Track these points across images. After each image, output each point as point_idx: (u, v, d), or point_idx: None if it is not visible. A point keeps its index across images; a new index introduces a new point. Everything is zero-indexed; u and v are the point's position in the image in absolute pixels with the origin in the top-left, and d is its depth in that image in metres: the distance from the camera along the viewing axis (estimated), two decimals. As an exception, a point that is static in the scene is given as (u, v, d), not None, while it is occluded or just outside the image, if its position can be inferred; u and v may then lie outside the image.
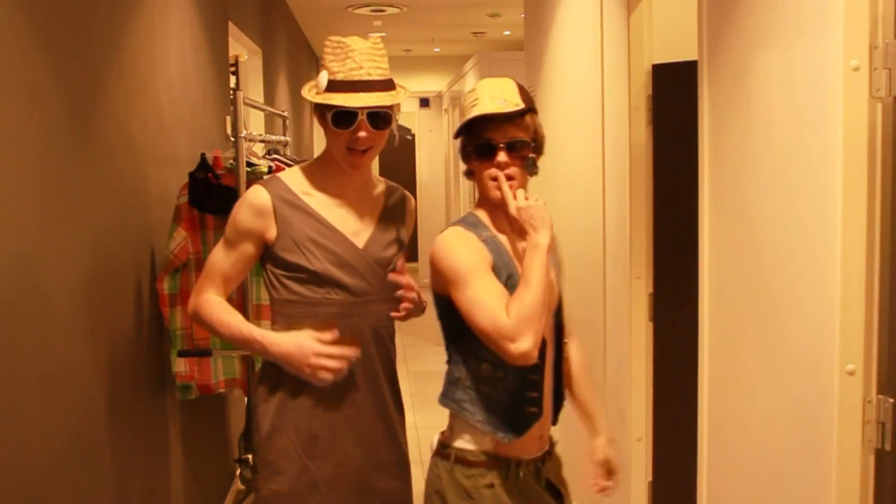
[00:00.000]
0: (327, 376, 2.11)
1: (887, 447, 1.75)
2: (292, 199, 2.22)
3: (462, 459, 2.08)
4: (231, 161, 3.18)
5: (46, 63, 2.15)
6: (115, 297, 2.67)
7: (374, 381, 2.28)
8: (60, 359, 2.19)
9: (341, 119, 2.13)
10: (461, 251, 2.03)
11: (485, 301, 1.94)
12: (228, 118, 4.67)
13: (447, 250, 2.04)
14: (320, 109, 2.18)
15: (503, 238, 2.09)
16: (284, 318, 2.25)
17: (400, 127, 2.18)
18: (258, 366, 2.63)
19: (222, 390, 3.28)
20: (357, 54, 2.13)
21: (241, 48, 5.80)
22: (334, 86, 2.13)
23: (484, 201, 2.14)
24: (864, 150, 1.72)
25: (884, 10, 1.70)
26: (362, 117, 2.12)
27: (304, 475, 2.22)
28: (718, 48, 2.26)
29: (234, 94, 3.41)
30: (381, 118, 2.16)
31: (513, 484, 2.07)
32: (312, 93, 2.18)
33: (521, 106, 2.04)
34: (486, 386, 2.05)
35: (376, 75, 2.15)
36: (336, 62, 2.14)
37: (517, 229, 2.07)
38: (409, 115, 12.97)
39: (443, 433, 2.18)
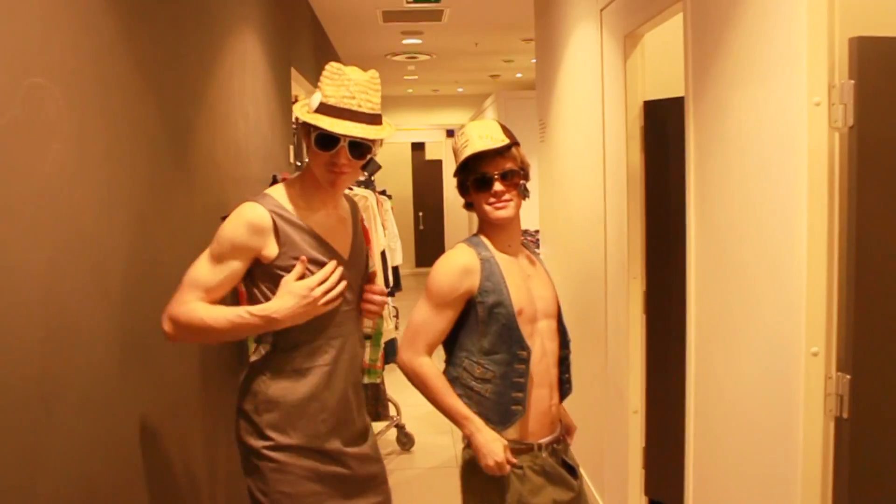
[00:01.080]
0: (335, 300, 1.95)
1: (845, 415, 1.77)
2: (289, 217, 1.96)
3: None
4: (297, 182, 3.23)
5: (152, 103, 2.21)
6: (205, 293, 2.72)
7: (357, 380, 2.13)
8: (165, 343, 2.25)
9: (324, 141, 1.92)
10: (445, 276, 2.07)
11: (419, 327, 2.08)
12: (291, 147, 4.75)
13: (438, 268, 2.10)
14: (307, 128, 1.96)
15: (501, 259, 2.10)
16: (274, 333, 1.99)
17: (372, 161, 2.04)
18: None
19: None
20: (352, 84, 1.92)
21: (301, 89, 5.87)
22: (324, 109, 1.91)
23: (485, 226, 2.15)
24: (825, 171, 1.75)
25: (840, 54, 1.73)
26: (343, 144, 1.92)
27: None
28: (702, 86, 2.29)
29: (299, 125, 3.45)
30: (361, 149, 1.95)
31: (538, 465, 2.09)
32: (304, 111, 1.96)
33: (507, 141, 2.06)
34: (478, 384, 2.06)
35: (366, 108, 1.93)
36: (331, 87, 1.93)
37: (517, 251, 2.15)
38: (436, 145, 13.02)
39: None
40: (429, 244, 12.62)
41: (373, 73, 1.99)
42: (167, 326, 1.92)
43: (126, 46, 2.02)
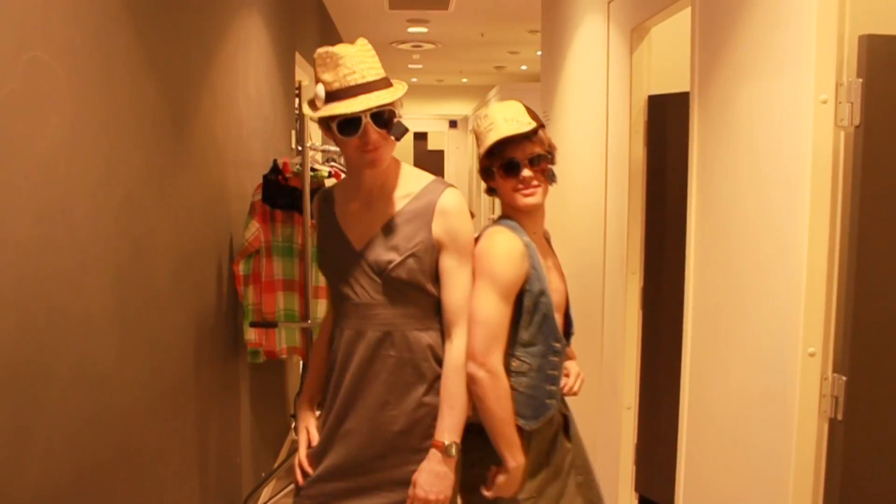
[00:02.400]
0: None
1: (839, 417, 1.76)
2: (328, 205, 1.98)
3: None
4: (297, 166, 3.22)
5: (154, 80, 2.20)
6: (201, 276, 2.71)
7: (374, 384, 1.89)
8: (161, 323, 2.24)
9: (347, 127, 1.78)
10: (510, 263, 1.88)
11: (495, 327, 1.85)
12: (293, 131, 4.73)
13: (498, 256, 1.89)
14: (325, 122, 1.82)
15: (533, 245, 1.96)
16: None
17: (399, 125, 1.83)
18: (315, 336, 2.57)
19: (284, 356, 3.31)
20: (347, 59, 1.77)
21: (305, 74, 5.84)
22: (333, 96, 1.77)
23: (511, 212, 2.00)
24: (829, 170, 1.74)
25: (848, 52, 1.71)
26: (367, 120, 1.77)
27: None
28: (708, 81, 2.27)
29: (301, 111, 3.44)
30: (384, 117, 1.80)
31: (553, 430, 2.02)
32: (313, 111, 1.83)
33: (533, 124, 1.93)
34: (512, 379, 1.92)
35: (371, 76, 1.79)
36: (329, 73, 1.78)
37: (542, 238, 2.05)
38: (439, 135, 13.01)
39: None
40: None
41: (361, 41, 1.87)
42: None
43: (128, 22, 2.00)
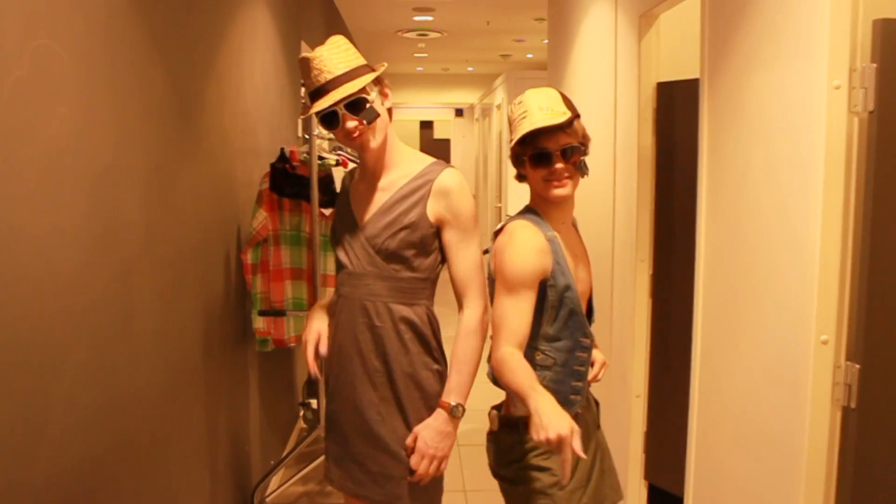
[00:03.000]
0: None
1: (852, 405, 1.75)
2: (347, 184, 2.19)
3: (526, 420, 1.83)
4: (305, 154, 3.21)
5: (161, 69, 2.18)
6: (210, 265, 2.71)
7: (359, 351, 2.04)
8: (170, 312, 2.23)
9: (328, 121, 1.96)
10: (524, 257, 1.85)
11: (499, 321, 1.83)
12: (300, 120, 4.71)
13: (514, 250, 1.87)
14: (318, 119, 2.01)
15: (559, 239, 1.93)
16: None
17: (369, 110, 1.94)
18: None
19: (292, 344, 3.31)
20: (316, 61, 1.95)
21: (310, 63, 5.82)
22: (311, 97, 1.97)
23: (539, 201, 1.97)
24: (843, 156, 1.71)
25: (862, 37, 1.69)
26: (342, 112, 1.93)
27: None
28: (718, 68, 2.25)
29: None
30: (357, 106, 1.94)
31: (580, 421, 1.90)
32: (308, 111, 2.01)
33: (568, 114, 1.89)
34: (538, 371, 1.85)
35: (339, 70, 1.94)
36: (306, 77, 1.98)
37: (570, 227, 2.00)
38: (445, 123, 12.97)
39: (502, 408, 2.00)
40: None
41: (331, 39, 2.02)
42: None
43: (135, 12, 1.99)
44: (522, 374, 1.75)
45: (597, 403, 2.14)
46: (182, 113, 2.38)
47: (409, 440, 2.01)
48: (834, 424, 1.78)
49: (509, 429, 1.95)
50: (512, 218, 1.97)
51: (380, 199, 2.06)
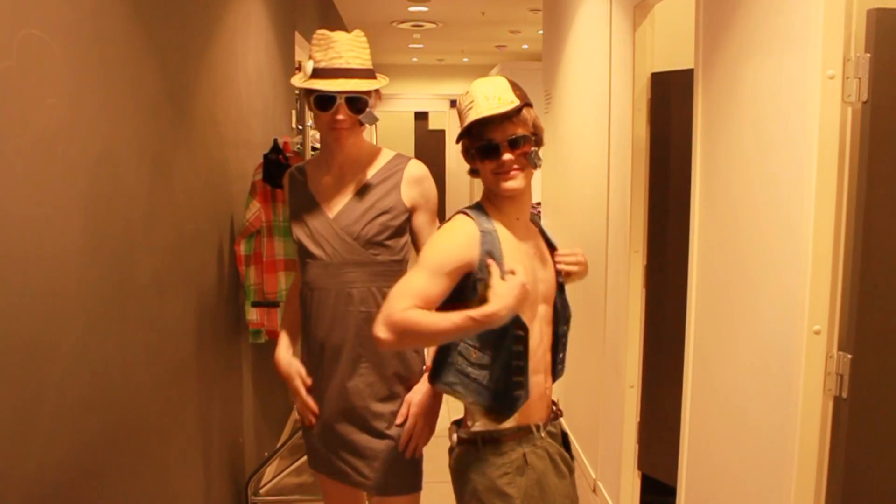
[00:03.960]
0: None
1: (844, 395, 1.75)
2: (299, 177, 2.18)
3: (490, 440, 1.84)
4: (298, 146, 3.19)
5: (152, 60, 2.17)
6: (203, 256, 2.69)
7: (344, 340, 2.10)
8: (162, 304, 2.22)
9: (322, 102, 2.01)
10: (444, 245, 1.81)
11: (404, 287, 1.73)
12: (294, 111, 4.69)
13: (435, 240, 1.85)
14: (306, 94, 2.06)
15: (504, 233, 1.84)
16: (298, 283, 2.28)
17: (369, 113, 2.03)
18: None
19: (286, 336, 3.31)
20: (338, 45, 2.01)
21: (304, 54, 5.80)
22: (317, 73, 2.01)
23: (491, 196, 1.88)
24: (836, 146, 1.71)
25: (857, 27, 1.68)
26: (340, 101, 2.00)
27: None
28: (712, 58, 2.24)
29: (301, 90, 3.40)
30: (357, 104, 2.02)
31: (540, 448, 1.89)
32: (300, 80, 2.05)
33: (516, 103, 1.78)
34: (475, 370, 1.81)
35: (355, 64, 2.02)
36: (320, 52, 2.02)
37: (523, 223, 1.90)
38: (440, 115, 12.95)
39: (462, 422, 1.91)
40: (429, 214, 12.59)
41: (357, 32, 2.08)
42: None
43: (126, 0, 1.97)
44: (446, 315, 1.67)
45: (564, 435, 2.01)
46: (174, 103, 2.36)
47: (402, 409, 2.12)
48: (826, 414, 1.78)
49: (467, 445, 1.87)
50: (458, 211, 1.89)
51: (350, 189, 2.12)
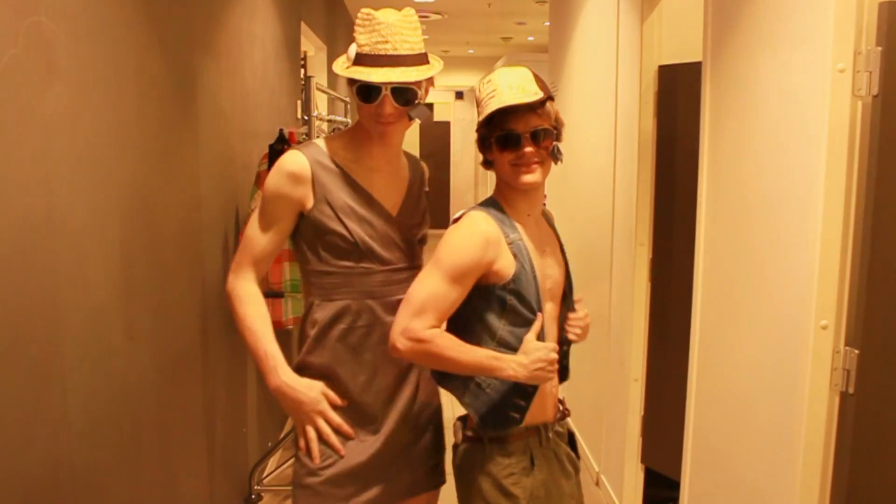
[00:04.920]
0: (312, 437, 1.83)
1: (850, 390, 1.74)
2: (329, 165, 1.84)
3: (496, 439, 1.80)
4: (304, 136, 3.18)
5: (159, 48, 2.16)
6: (207, 246, 2.69)
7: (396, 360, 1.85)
8: (167, 294, 2.22)
9: (365, 92, 1.78)
10: (463, 247, 1.72)
11: (425, 295, 1.69)
12: (299, 102, 4.68)
13: (456, 237, 1.75)
14: (350, 83, 1.82)
15: (526, 237, 1.78)
16: (320, 289, 1.85)
17: (420, 108, 1.81)
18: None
19: (290, 327, 3.31)
20: (384, 28, 1.76)
21: (310, 44, 5.79)
22: (360, 59, 1.78)
23: (504, 189, 1.83)
24: (845, 140, 1.69)
25: (868, 20, 1.66)
26: (386, 92, 1.77)
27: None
28: (721, 51, 2.23)
29: (307, 80, 3.40)
30: (406, 94, 1.79)
31: (546, 448, 1.85)
32: (342, 66, 1.82)
33: (541, 95, 1.73)
34: (480, 378, 1.77)
35: (403, 49, 1.77)
36: (364, 34, 1.78)
37: (539, 223, 1.85)
38: (445, 106, 12.93)
39: (468, 419, 1.86)
40: (434, 206, 12.63)
41: (407, 10, 1.83)
42: (228, 289, 1.84)
43: (132, -12, 1.96)
44: (470, 348, 1.70)
45: (571, 435, 1.98)
46: (180, 93, 2.35)
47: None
48: (832, 410, 1.77)
49: (473, 443, 1.83)
50: (472, 208, 1.82)
51: (401, 187, 1.94)
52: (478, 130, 1.81)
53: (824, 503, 1.79)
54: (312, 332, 1.86)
